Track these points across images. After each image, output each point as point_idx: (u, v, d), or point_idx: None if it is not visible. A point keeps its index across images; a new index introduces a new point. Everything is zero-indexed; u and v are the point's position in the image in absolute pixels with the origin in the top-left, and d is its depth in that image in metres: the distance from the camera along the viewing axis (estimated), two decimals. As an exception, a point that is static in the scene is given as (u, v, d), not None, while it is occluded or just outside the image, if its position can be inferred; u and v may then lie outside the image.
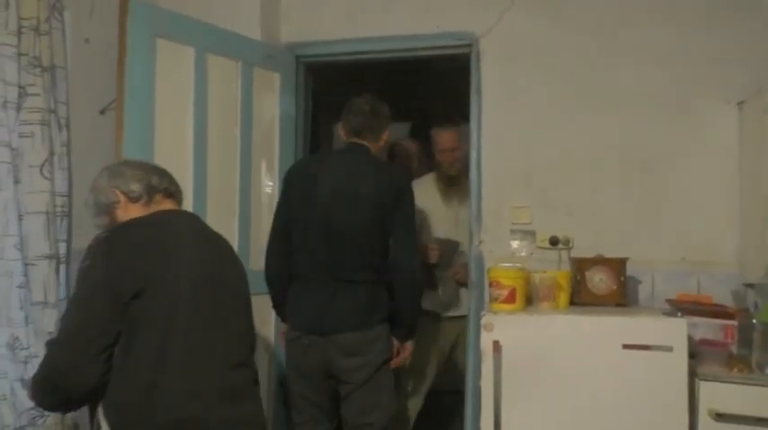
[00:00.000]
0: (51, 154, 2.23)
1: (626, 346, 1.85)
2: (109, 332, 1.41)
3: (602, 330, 1.90)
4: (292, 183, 2.36)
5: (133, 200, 1.61)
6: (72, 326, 1.44)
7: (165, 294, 1.47)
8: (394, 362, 2.29)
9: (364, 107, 2.36)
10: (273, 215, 2.44)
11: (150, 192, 1.62)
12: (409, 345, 2.35)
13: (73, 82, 2.36)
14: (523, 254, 2.63)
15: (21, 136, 2.14)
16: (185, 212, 1.77)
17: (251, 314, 1.71)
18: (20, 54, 2.14)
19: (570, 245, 2.57)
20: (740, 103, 2.45)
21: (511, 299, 2.05)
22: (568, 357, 1.90)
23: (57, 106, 2.27)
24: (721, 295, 2.38)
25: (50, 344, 1.48)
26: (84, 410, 1.54)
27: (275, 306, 2.44)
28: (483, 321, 1.97)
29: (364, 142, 2.35)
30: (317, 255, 2.23)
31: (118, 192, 1.61)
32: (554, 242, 2.57)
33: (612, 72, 2.58)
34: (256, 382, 1.64)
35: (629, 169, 2.56)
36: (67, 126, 2.33)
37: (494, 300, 2.09)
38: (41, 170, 2.19)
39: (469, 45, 2.75)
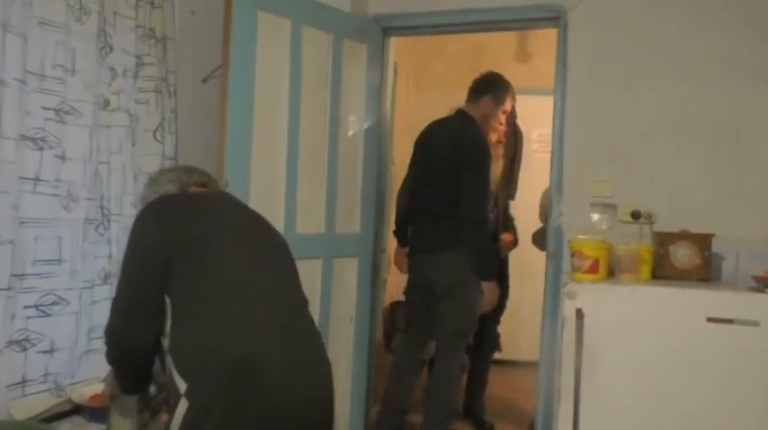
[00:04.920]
0: (163, 119, 2.41)
1: (710, 320, 1.89)
2: (156, 291, 1.49)
3: (686, 303, 1.94)
4: (417, 144, 3.08)
5: None
6: (122, 289, 1.55)
7: (210, 241, 1.54)
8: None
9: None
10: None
11: (183, 187, 1.76)
12: (486, 285, 2.76)
13: (180, 52, 2.52)
14: (603, 227, 2.67)
15: (137, 102, 2.32)
16: (218, 190, 1.89)
17: (298, 277, 1.70)
18: (137, 26, 2.31)
19: (653, 219, 2.58)
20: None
21: (594, 269, 2.11)
22: (651, 328, 1.95)
23: (167, 75, 2.44)
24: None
25: (112, 303, 1.59)
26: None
27: (398, 232, 3.17)
28: (566, 289, 2.04)
29: (465, 109, 2.97)
30: (422, 198, 2.97)
31: (157, 196, 1.74)
32: (636, 216, 2.59)
33: (702, 38, 2.55)
34: (316, 329, 1.63)
35: (717, 140, 2.54)
36: (175, 93, 2.50)
37: (576, 269, 2.15)
38: (155, 134, 2.37)
39: (557, 18, 2.76)
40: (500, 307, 3.38)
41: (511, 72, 4.77)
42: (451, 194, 2.79)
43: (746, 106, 2.50)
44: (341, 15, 2.85)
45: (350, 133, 2.92)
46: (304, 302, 1.65)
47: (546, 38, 4.73)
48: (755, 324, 1.84)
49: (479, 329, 3.06)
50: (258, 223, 1.72)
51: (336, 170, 2.84)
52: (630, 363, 1.98)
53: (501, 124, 3.05)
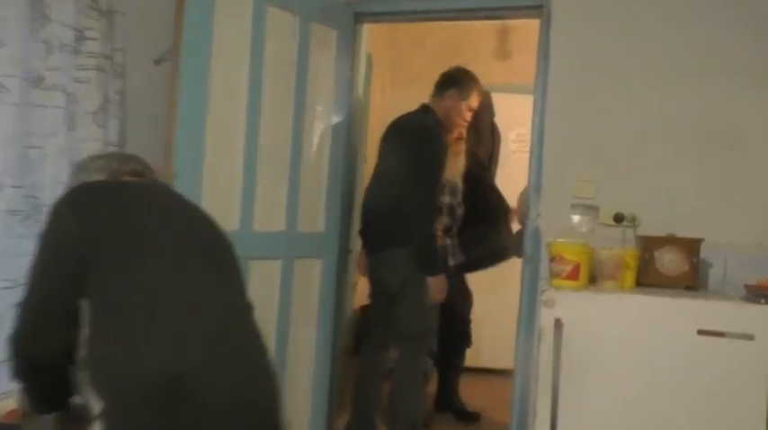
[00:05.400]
0: (106, 101, 2.18)
1: (701, 332, 1.72)
2: (70, 292, 1.29)
3: (675, 313, 1.77)
4: (380, 140, 3.00)
5: None
6: (30, 289, 1.33)
7: (136, 238, 1.34)
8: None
9: None
10: None
11: (115, 176, 1.53)
12: (430, 281, 2.65)
13: (130, 28, 2.30)
14: (584, 229, 2.49)
15: (76, 81, 2.10)
16: (156, 180, 1.65)
17: (241, 280, 1.49)
18: (78, -4, 2.09)
19: (636, 223, 2.41)
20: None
21: (574, 275, 1.94)
22: (637, 341, 1.78)
23: (113, 52, 2.22)
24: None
25: (17, 306, 1.36)
26: None
27: (360, 231, 3.02)
28: (543, 297, 1.86)
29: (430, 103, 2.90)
30: (376, 194, 2.93)
31: None
32: (619, 219, 2.43)
33: (699, 37, 2.39)
34: (258, 336, 1.42)
35: (710, 143, 2.38)
36: (122, 74, 2.28)
37: (555, 275, 1.98)
38: (94, 117, 2.15)
39: (540, 6, 2.59)
40: (465, 299, 3.37)
41: (490, 69, 4.67)
42: (399, 187, 2.70)
43: (742, 109, 2.35)
44: (309, -4, 2.65)
45: (316, 125, 2.72)
46: (244, 309, 1.44)
47: (527, 35, 4.60)
48: (750, 337, 1.68)
49: (449, 323, 3.06)
50: (197, 220, 1.51)
51: (300, 163, 2.63)
52: (614, 379, 1.81)
53: (465, 121, 2.94)
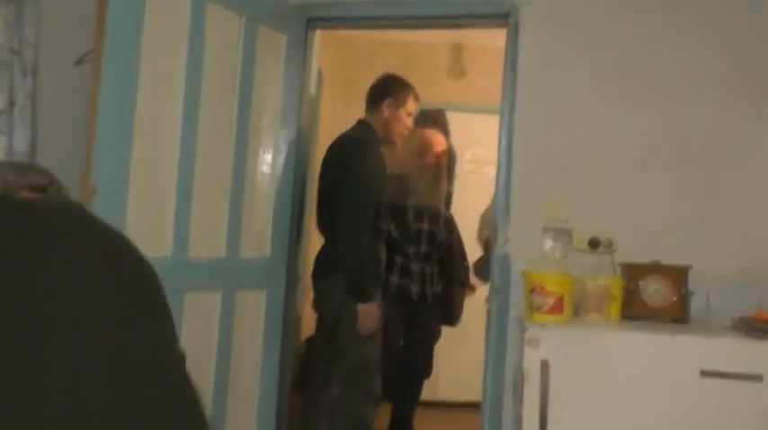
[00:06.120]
0: (11, 104, 1.85)
1: (704, 373, 1.52)
2: None
3: (676, 352, 1.57)
4: None
5: None
6: None
7: (17, 282, 0.99)
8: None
9: None
10: None
11: (9, 191, 1.23)
12: (361, 308, 2.42)
13: (45, 19, 1.97)
14: (557, 256, 2.30)
15: (-27, 78, 1.76)
16: (63, 198, 1.29)
17: (166, 325, 1.12)
18: (-23, -23, 1.76)
19: (613, 248, 2.24)
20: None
21: (558, 308, 1.72)
22: (634, 384, 1.57)
23: (22, 47, 1.89)
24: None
25: None
26: None
27: None
28: (527, 336, 1.62)
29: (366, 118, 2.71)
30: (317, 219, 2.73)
31: None
32: (594, 244, 2.24)
33: (672, 51, 2.27)
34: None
35: (684, 163, 2.25)
36: (34, 73, 1.95)
37: (536, 309, 1.75)
38: (-3, 122, 1.81)
39: (507, 15, 2.41)
40: (430, 332, 3.20)
41: (444, 88, 4.51)
42: (330, 208, 2.55)
43: (717, 127, 2.23)
44: (256, -5, 2.38)
45: (262, 138, 2.44)
46: (170, 363, 1.12)
47: (481, 53, 4.51)
48: (758, 378, 1.49)
49: (409, 352, 2.90)
50: (107, 254, 1.14)
51: (243, 180, 2.33)
52: (606, 426, 1.58)
53: (407, 127, 2.76)
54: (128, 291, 1.12)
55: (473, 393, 3.80)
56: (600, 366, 1.59)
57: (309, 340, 3.79)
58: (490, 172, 4.57)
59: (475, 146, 4.30)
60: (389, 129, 2.68)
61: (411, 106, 2.73)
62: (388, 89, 2.70)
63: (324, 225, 2.64)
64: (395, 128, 2.69)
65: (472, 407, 3.89)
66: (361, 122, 2.73)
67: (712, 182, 2.22)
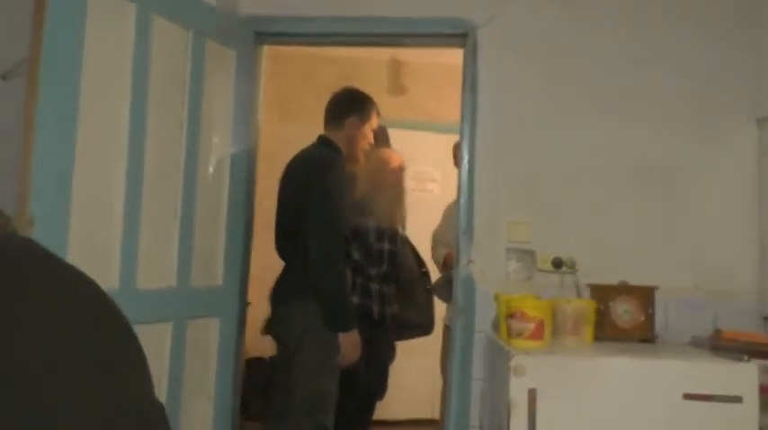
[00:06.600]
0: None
1: (687, 396, 1.53)
2: None
3: (660, 376, 1.57)
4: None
5: None
6: None
7: None
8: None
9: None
10: None
11: None
12: (343, 337, 2.31)
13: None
14: (521, 277, 2.29)
15: None
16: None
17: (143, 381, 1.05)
18: None
19: (575, 268, 2.25)
20: (760, 120, 2.24)
21: (538, 334, 1.69)
22: (619, 409, 1.55)
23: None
24: (740, 329, 2.13)
25: None
26: None
27: None
28: (513, 363, 1.58)
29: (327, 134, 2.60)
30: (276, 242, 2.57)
31: None
32: (557, 264, 2.25)
33: (629, 75, 2.32)
34: None
35: (646, 184, 2.30)
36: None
37: (517, 335, 1.71)
38: None
39: (465, 35, 2.39)
40: (388, 352, 3.04)
41: (383, 104, 4.43)
42: (298, 234, 2.37)
43: (676, 149, 2.30)
44: (203, 8, 2.24)
45: (212, 159, 2.29)
46: (157, 414, 0.98)
47: (420, 70, 4.51)
48: (738, 400, 1.51)
49: (368, 375, 2.73)
50: (78, 301, 1.01)
51: (194, 204, 2.18)
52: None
53: (370, 143, 2.68)
54: (105, 339, 0.98)
55: (421, 410, 3.76)
56: (585, 392, 1.57)
57: (250, 361, 3.62)
58: (434, 188, 4.62)
59: (415, 163, 4.27)
60: (353, 145, 2.56)
61: (375, 121, 2.64)
62: (353, 104, 2.60)
63: (286, 250, 2.48)
64: (359, 144, 2.58)
65: (419, 424, 3.86)
66: (322, 139, 2.59)
67: (670, 201, 2.28)
